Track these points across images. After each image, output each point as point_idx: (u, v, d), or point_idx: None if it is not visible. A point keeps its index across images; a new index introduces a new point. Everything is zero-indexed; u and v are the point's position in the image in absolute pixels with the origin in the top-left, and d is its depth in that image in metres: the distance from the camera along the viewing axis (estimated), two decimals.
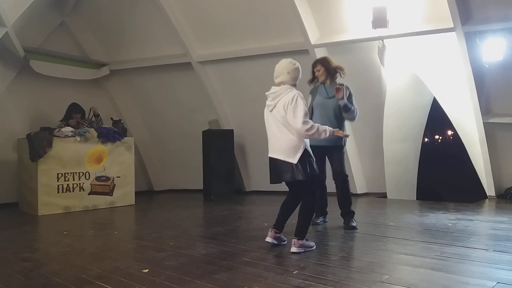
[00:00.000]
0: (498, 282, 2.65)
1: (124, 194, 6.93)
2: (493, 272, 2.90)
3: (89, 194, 6.52)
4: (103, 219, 5.90)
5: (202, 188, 7.84)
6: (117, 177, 6.83)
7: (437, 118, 9.90)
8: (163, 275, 2.95)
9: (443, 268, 2.99)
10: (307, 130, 3.42)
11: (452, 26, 5.70)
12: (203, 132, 7.79)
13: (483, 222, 4.99)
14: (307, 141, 3.61)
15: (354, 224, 4.55)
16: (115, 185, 6.81)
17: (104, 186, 6.70)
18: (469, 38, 5.79)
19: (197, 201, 7.44)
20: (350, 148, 7.28)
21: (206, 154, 7.69)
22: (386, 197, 7.17)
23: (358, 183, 7.45)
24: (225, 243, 3.94)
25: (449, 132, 34.04)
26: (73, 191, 6.34)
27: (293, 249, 3.52)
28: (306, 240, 3.60)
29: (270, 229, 3.78)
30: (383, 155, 7.13)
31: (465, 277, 2.81)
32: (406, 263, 3.20)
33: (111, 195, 6.77)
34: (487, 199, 6.63)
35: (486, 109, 6.39)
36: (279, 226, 3.75)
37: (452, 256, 3.29)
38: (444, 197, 8.84)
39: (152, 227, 5.07)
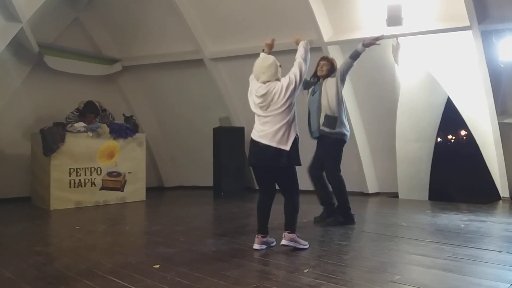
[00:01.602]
0: (511, 284, 2.61)
1: (135, 190, 6.97)
2: (506, 274, 2.86)
3: (100, 189, 6.57)
4: (114, 214, 5.94)
5: (212, 185, 7.85)
6: (128, 173, 6.87)
7: (451, 118, 9.77)
8: (174, 271, 2.96)
9: (455, 269, 2.96)
10: (301, 69, 3.56)
11: (469, 24, 5.60)
12: (214, 129, 7.80)
13: (496, 223, 4.92)
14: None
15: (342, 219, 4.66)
16: (126, 180, 6.85)
17: (116, 181, 6.75)
18: (486, 37, 5.69)
19: (207, 198, 7.45)
20: (362, 147, 7.24)
21: (217, 151, 7.70)
22: (397, 197, 7.11)
23: (370, 182, 7.39)
24: (235, 240, 3.94)
25: (463, 132, 33.67)
26: (84, 186, 6.39)
27: (284, 242, 3.51)
28: (298, 236, 3.57)
29: (256, 236, 3.60)
30: (395, 155, 7.06)
31: (478, 278, 2.77)
32: (418, 264, 3.17)
33: (122, 191, 6.81)
34: (500, 201, 6.53)
35: (502, 109, 6.27)
36: (263, 230, 3.62)
37: (465, 258, 3.25)
38: (457, 198, 8.73)
39: (162, 223, 5.09)
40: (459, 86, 6.72)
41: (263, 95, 3.52)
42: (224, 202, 6.83)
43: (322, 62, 4.74)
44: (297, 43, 3.83)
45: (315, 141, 4.81)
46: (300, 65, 3.59)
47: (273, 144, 3.46)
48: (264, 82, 3.55)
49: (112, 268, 3.05)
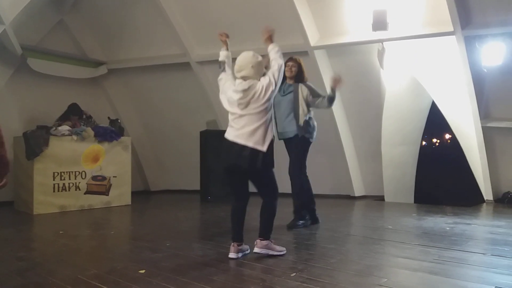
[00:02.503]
0: (496, 287, 2.64)
1: (120, 194, 6.89)
2: (491, 276, 2.89)
3: (85, 193, 6.48)
4: (99, 219, 5.86)
5: (199, 189, 7.80)
6: (113, 176, 6.79)
7: (435, 122, 9.89)
8: (160, 276, 2.92)
9: (441, 272, 2.98)
10: (280, 71, 3.45)
11: (452, 30, 5.69)
12: (201, 132, 7.76)
13: (481, 226, 4.99)
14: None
15: (299, 223, 4.65)
16: (111, 184, 6.77)
17: (100, 185, 6.66)
18: (469, 42, 5.79)
19: (194, 202, 7.41)
20: (349, 151, 7.28)
21: (204, 155, 7.66)
22: (384, 200, 7.16)
23: (356, 185, 7.44)
24: (222, 244, 3.91)
25: (447, 136, 34.12)
26: (69, 190, 6.30)
27: (256, 250, 3.45)
28: (272, 242, 3.49)
29: (232, 245, 3.47)
30: (381, 158, 7.12)
31: (463, 281, 2.80)
32: (404, 267, 3.18)
33: (107, 195, 6.73)
34: (484, 203, 6.63)
35: (485, 113, 6.38)
36: (238, 237, 3.49)
37: (450, 260, 3.28)
38: (442, 201, 8.83)
39: (148, 227, 5.04)
40: (444, 90, 6.82)
41: (244, 91, 3.36)
42: (211, 206, 6.79)
43: (290, 63, 4.73)
44: (270, 40, 3.63)
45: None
46: (280, 66, 3.46)
47: (250, 144, 3.32)
48: (244, 78, 3.41)
49: (96, 274, 3.00)
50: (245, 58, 3.44)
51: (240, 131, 3.37)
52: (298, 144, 4.66)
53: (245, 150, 3.33)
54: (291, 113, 4.65)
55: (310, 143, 4.72)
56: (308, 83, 4.75)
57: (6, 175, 2.72)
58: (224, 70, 3.74)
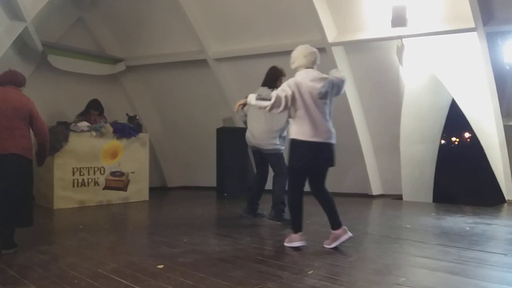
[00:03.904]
0: None
1: (138, 189, 6.96)
2: None
3: (103, 189, 6.56)
4: (117, 214, 5.94)
5: (215, 185, 7.84)
6: (131, 172, 6.87)
7: (454, 120, 9.73)
8: (178, 271, 2.95)
9: (460, 272, 2.94)
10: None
11: (474, 26, 5.58)
12: (217, 129, 7.79)
13: (501, 226, 4.89)
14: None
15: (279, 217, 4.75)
16: (129, 180, 6.85)
17: (119, 181, 6.75)
18: (491, 39, 5.67)
19: (210, 199, 7.44)
20: (366, 149, 7.21)
21: (220, 152, 7.69)
22: (402, 199, 7.07)
23: (374, 184, 7.37)
24: (238, 241, 3.92)
25: (467, 134, 33.58)
26: (88, 185, 6.39)
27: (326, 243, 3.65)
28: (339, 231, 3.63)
29: (299, 235, 3.63)
30: (399, 156, 7.03)
31: (484, 281, 2.76)
32: (422, 266, 3.15)
33: (125, 191, 6.81)
34: (505, 203, 6.50)
35: (507, 111, 6.25)
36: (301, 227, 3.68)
37: (470, 260, 3.23)
38: (461, 200, 8.69)
39: (166, 223, 5.08)
40: (464, 88, 6.69)
41: (324, 79, 3.54)
42: (227, 203, 6.81)
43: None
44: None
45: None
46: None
47: (333, 141, 3.60)
48: (297, 69, 3.63)
49: (115, 268, 3.04)
50: (297, 49, 3.64)
51: (322, 129, 3.54)
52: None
53: (332, 147, 3.62)
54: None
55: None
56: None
57: (44, 161, 3.98)
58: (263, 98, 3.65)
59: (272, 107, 3.45)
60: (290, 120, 3.69)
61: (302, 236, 3.63)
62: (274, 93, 3.48)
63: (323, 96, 3.51)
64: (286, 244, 3.67)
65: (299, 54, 3.60)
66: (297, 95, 3.48)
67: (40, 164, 4.00)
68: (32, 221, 3.77)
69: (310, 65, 3.59)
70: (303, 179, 3.65)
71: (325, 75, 3.59)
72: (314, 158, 3.53)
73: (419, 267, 3.16)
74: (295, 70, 3.66)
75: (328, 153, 3.58)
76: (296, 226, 3.63)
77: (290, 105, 3.49)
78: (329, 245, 3.59)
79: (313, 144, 3.49)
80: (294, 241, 3.61)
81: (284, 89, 3.49)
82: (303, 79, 3.53)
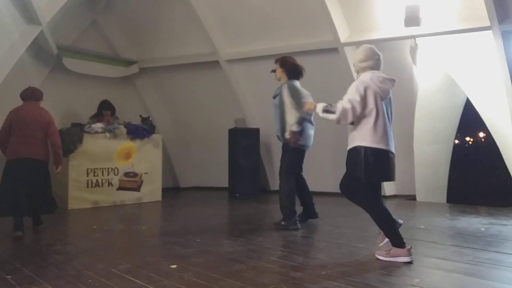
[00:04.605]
0: None
1: (152, 190, 7.02)
2: None
3: (117, 189, 6.63)
4: (131, 214, 5.99)
5: (227, 186, 7.86)
6: (145, 173, 6.93)
7: (469, 120, 9.62)
8: (191, 271, 2.96)
9: (476, 274, 2.90)
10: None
11: (489, 24, 5.51)
12: (229, 130, 7.81)
13: None
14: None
15: (282, 223, 4.54)
16: (142, 181, 6.91)
17: (132, 182, 6.81)
18: (507, 37, 5.58)
19: (223, 199, 7.47)
20: None
21: (232, 153, 7.71)
22: (415, 199, 7.01)
23: (387, 184, 7.30)
24: (251, 241, 3.93)
25: (481, 134, 33.13)
26: (102, 186, 6.46)
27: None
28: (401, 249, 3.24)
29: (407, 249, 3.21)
30: (413, 157, 6.97)
31: (499, 283, 2.72)
32: (437, 267, 3.11)
33: (139, 191, 6.87)
34: None
35: None
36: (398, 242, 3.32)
37: (486, 261, 3.18)
38: (475, 201, 8.58)
39: (179, 223, 5.12)
40: (479, 87, 6.61)
41: (389, 79, 3.31)
42: (240, 203, 6.82)
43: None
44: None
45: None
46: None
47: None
48: (363, 70, 3.34)
49: (129, 268, 3.07)
50: (372, 50, 3.35)
51: (392, 139, 3.31)
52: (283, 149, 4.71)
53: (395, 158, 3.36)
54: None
55: (295, 149, 4.61)
56: (294, 82, 4.69)
57: (60, 164, 4.82)
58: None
59: (339, 121, 3.22)
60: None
61: (410, 250, 3.18)
62: (339, 105, 3.19)
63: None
64: (385, 258, 3.24)
65: (373, 55, 3.32)
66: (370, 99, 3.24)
67: (57, 168, 4.80)
68: (55, 207, 4.92)
69: (377, 67, 3.36)
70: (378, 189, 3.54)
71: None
72: (392, 169, 3.32)
73: (433, 268, 3.12)
74: (359, 71, 3.39)
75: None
76: (398, 240, 3.24)
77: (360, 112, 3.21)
78: (382, 257, 3.27)
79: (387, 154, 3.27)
80: (400, 255, 3.19)
81: (351, 100, 3.18)
82: (372, 80, 3.27)
